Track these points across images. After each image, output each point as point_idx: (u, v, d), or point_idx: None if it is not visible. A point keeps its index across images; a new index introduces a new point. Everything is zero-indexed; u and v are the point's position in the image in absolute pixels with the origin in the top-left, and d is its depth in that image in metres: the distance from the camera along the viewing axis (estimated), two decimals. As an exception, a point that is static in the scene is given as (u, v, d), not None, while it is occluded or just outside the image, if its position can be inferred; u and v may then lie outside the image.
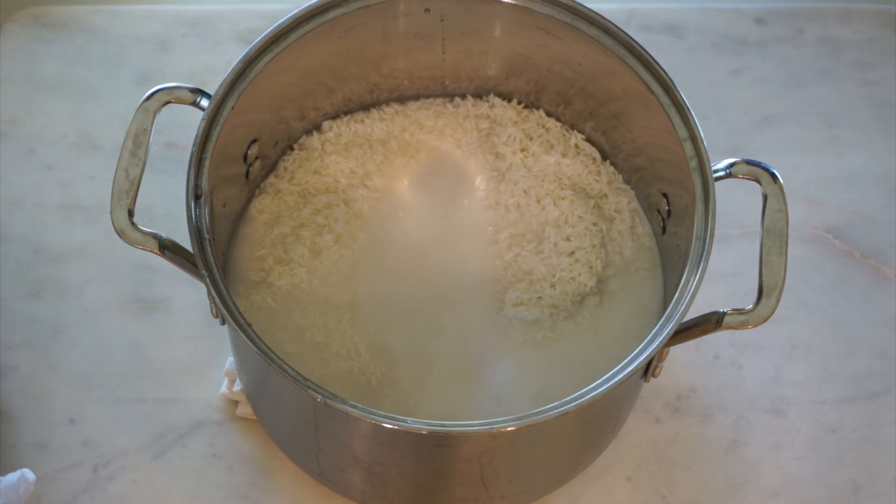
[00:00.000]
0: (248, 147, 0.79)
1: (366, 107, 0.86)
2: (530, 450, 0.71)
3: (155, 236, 0.68)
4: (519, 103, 0.87)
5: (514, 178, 0.83)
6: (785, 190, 0.70)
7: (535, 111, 0.86)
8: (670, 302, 0.68)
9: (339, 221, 0.81)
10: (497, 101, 0.87)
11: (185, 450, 0.81)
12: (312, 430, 0.70)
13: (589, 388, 0.64)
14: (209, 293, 0.67)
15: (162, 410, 0.83)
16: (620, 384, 0.65)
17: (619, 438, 0.82)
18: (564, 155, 0.84)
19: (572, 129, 0.86)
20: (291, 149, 0.84)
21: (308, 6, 0.76)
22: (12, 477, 0.75)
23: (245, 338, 0.65)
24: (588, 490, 0.81)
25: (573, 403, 0.63)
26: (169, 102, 0.72)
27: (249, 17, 1.03)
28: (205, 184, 0.70)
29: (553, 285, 0.79)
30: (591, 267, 0.80)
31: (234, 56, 0.74)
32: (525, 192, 0.82)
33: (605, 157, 0.85)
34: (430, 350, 0.76)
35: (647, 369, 0.71)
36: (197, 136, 0.71)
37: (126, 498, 0.79)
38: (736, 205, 0.87)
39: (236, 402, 0.83)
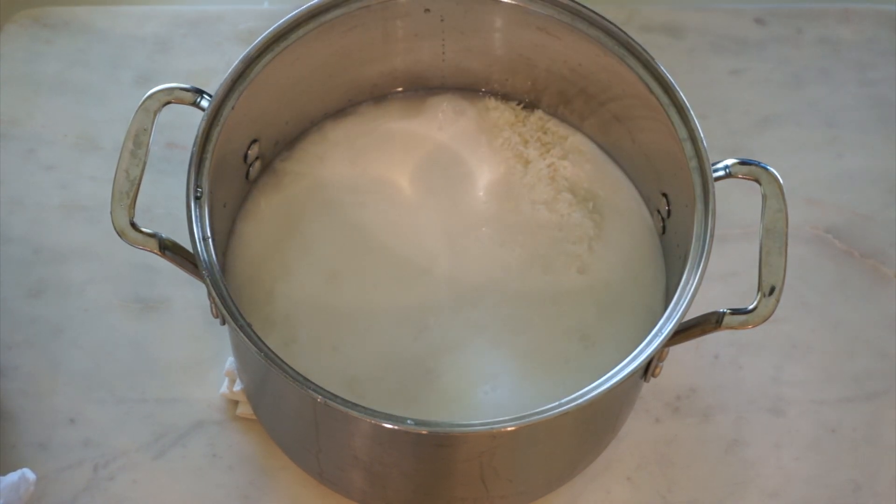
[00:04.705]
0: (248, 147, 0.79)
1: (366, 106, 0.87)
2: (530, 449, 0.71)
3: (155, 236, 0.68)
4: (518, 104, 0.87)
5: (514, 179, 0.83)
6: (785, 190, 0.70)
7: (534, 111, 0.86)
8: (670, 302, 0.68)
9: (340, 221, 0.81)
10: (496, 101, 0.87)
11: (185, 449, 0.81)
12: (313, 430, 0.70)
13: (589, 387, 0.64)
14: (209, 293, 0.67)
15: (162, 410, 0.83)
16: (620, 384, 0.65)
17: (619, 438, 0.82)
18: (563, 156, 0.84)
19: (572, 130, 0.86)
20: (292, 149, 0.85)
21: (308, 7, 0.76)
22: (13, 476, 0.75)
23: (245, 338, 0.65)
24: (588, 490, 0.81)
25: (573, 403, 0.63)
26: (169, 103, 0.72)
27: (249, 18, 1.03)
28: (205, 184, 0.70)
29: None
30: (590, 267, 0.80)
31: (235, 56, 0.74)
32: (524, 192, 0.82)
33: (605, 157, 0.85)
34: (430, 349, 0.76)
35: (647, 369, 0.71)
36: (197, 136, 0.71)
37: (126, 497, 0.80)
38: (736, 205, 0.87)
39: (236, 402, 0.83)
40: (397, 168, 0.84)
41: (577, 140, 0.85)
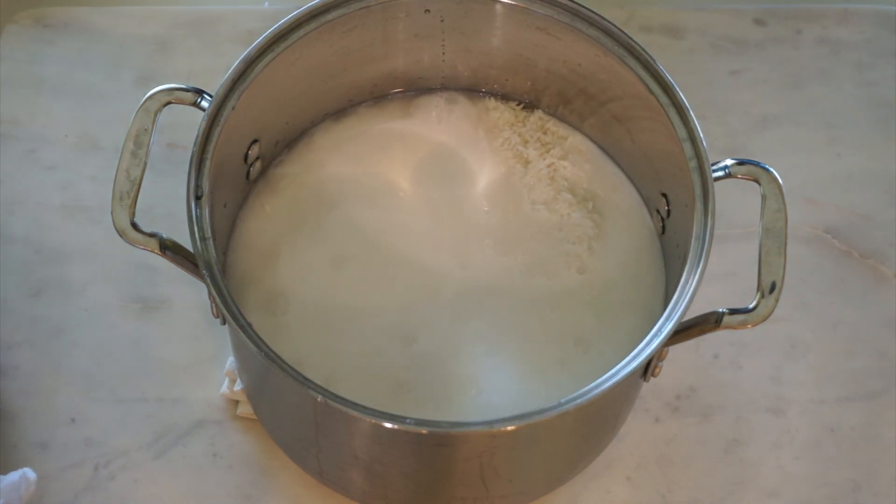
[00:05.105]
0: (248, 147, 0.79)
1: (366, 106, 0.87)
2: (530, 449, 0.71)
3: (156, 236, 0.68)
4: (518, 104, 0.87)
5: (514, 179, 0.83)
6: (784, 190, 0.70)
7: (534, 112, 0.86)
8: (670, 302, 0.68)
9: (339, 221, 0.81)
10: (496, 101, 0.87)
11: (185, 449, 0.81)
12: (313, 430, 0.70)
13: (589, 387, 0.64)
14: (209, 293, 0.67)
15: (163, 410, 0.83)
16: (620, 383, 0.65)
17: (619, 438, 0.82)
18: (563, 156, 0.84)
19: (572, 130, 0.86)
20: (292, 149, 0.85)
21: (308, 7, 0.76)
22: (13, 476, 0.75)
23: (245, 338, 0.65)
24: (588, 489, 0.81)
25: (573, 403, 0.64)
26: (169, 103, 0.72)
27: (250, 18, 1.03)
28: (205, 184, 0.70)
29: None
30: (590, 267, 0.80)
31: (235, 56, 0.74)
32: (524, 192, 0.83)
33: (604, 157, 0.85)
34: (427, 350, 0.76)
35: (647, 369, 0.71)
36: (197, 136, 0.71)
37: (127, 497, 0.80)
38: (735, 205, 0.87)
39: (237, 402, 0.83)
40: (397, 169, 0.84)
41: (576, 140, 0.85)
